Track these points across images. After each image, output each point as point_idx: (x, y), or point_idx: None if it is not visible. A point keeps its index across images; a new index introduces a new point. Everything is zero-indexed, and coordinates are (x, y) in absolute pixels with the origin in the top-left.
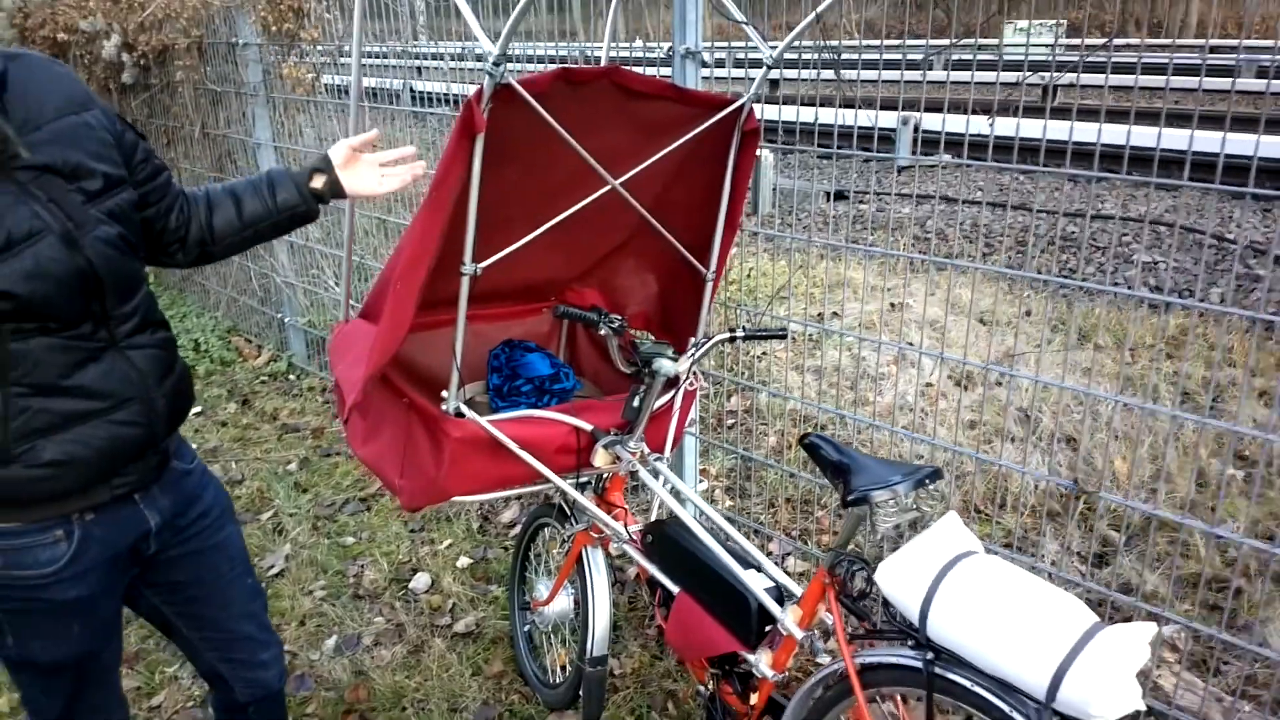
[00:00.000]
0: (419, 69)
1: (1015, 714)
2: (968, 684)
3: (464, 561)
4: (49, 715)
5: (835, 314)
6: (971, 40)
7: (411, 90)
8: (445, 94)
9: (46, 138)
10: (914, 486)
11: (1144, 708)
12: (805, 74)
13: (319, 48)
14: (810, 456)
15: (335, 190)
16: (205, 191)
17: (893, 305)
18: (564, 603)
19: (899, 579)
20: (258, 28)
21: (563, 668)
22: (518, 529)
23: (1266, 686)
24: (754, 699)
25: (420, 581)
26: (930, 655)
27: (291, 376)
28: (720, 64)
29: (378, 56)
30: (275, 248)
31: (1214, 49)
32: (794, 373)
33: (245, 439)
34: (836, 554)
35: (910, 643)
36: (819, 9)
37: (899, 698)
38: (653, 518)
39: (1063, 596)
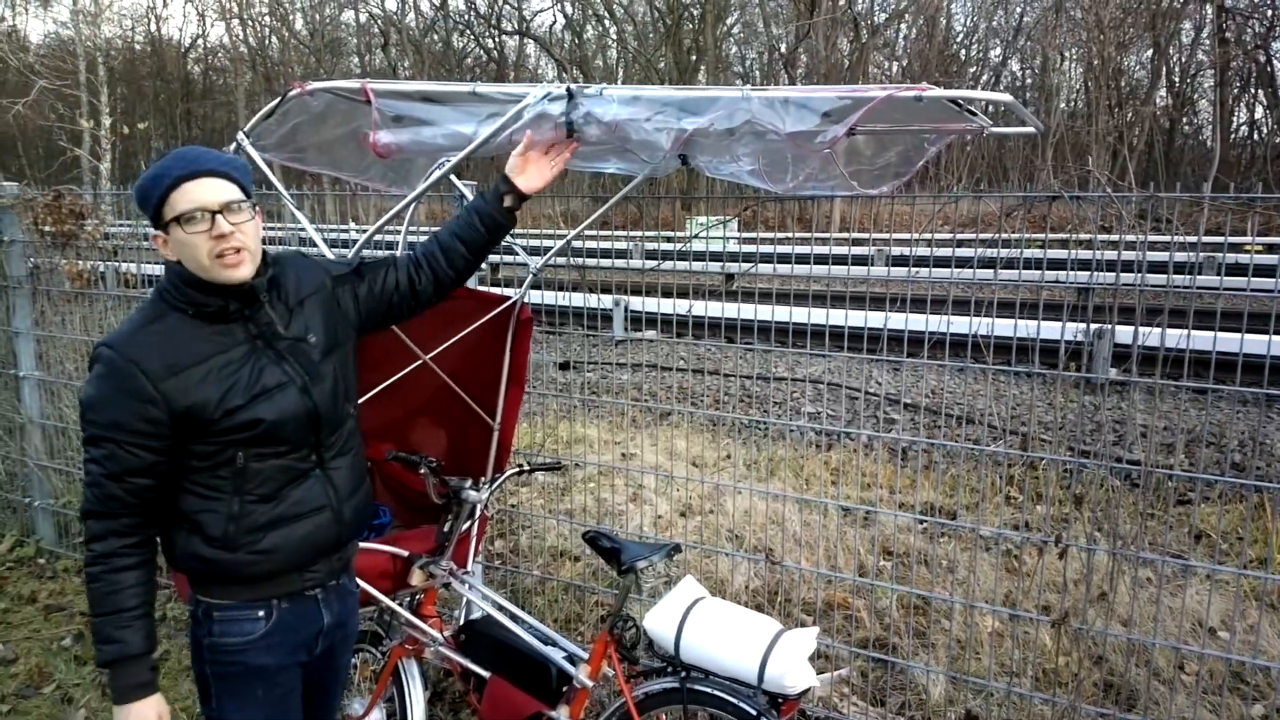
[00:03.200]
0: None
1: (740, 701)
2: (709, 689)
3: None
4: None
5: (578, 465)
6: (662, 233)
7: None
8: None
9: (297, 316)
10: (664, 557)
11: (817, 684)
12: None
13: (99, 244)
14: (591, 546)
15: (522, 200)
16: (435, 241)
17: (624, 455)
18: (378, 716)
19: (659, 621)
20: (28, 226)
21: None
22: None
23: (916, 710)
24: None
25: None
26: (684, 674)
27: (41, 560)
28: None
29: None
30: (29, 431)
31: (855, 241)
32: (548, 517)
33: (6, 622)
34: (614, 618)
35: (670, 670)
36: (570, 236)
37: (664, 718)
38: (461, 623)
39: (760, 616)
